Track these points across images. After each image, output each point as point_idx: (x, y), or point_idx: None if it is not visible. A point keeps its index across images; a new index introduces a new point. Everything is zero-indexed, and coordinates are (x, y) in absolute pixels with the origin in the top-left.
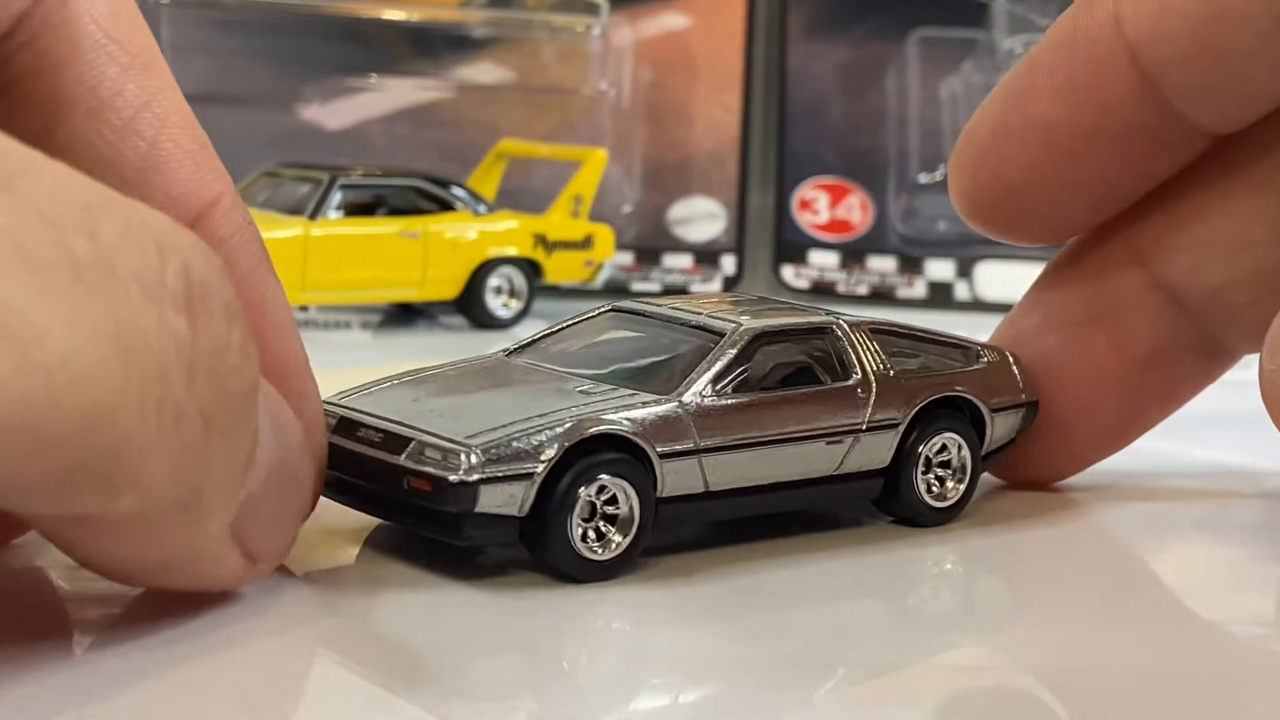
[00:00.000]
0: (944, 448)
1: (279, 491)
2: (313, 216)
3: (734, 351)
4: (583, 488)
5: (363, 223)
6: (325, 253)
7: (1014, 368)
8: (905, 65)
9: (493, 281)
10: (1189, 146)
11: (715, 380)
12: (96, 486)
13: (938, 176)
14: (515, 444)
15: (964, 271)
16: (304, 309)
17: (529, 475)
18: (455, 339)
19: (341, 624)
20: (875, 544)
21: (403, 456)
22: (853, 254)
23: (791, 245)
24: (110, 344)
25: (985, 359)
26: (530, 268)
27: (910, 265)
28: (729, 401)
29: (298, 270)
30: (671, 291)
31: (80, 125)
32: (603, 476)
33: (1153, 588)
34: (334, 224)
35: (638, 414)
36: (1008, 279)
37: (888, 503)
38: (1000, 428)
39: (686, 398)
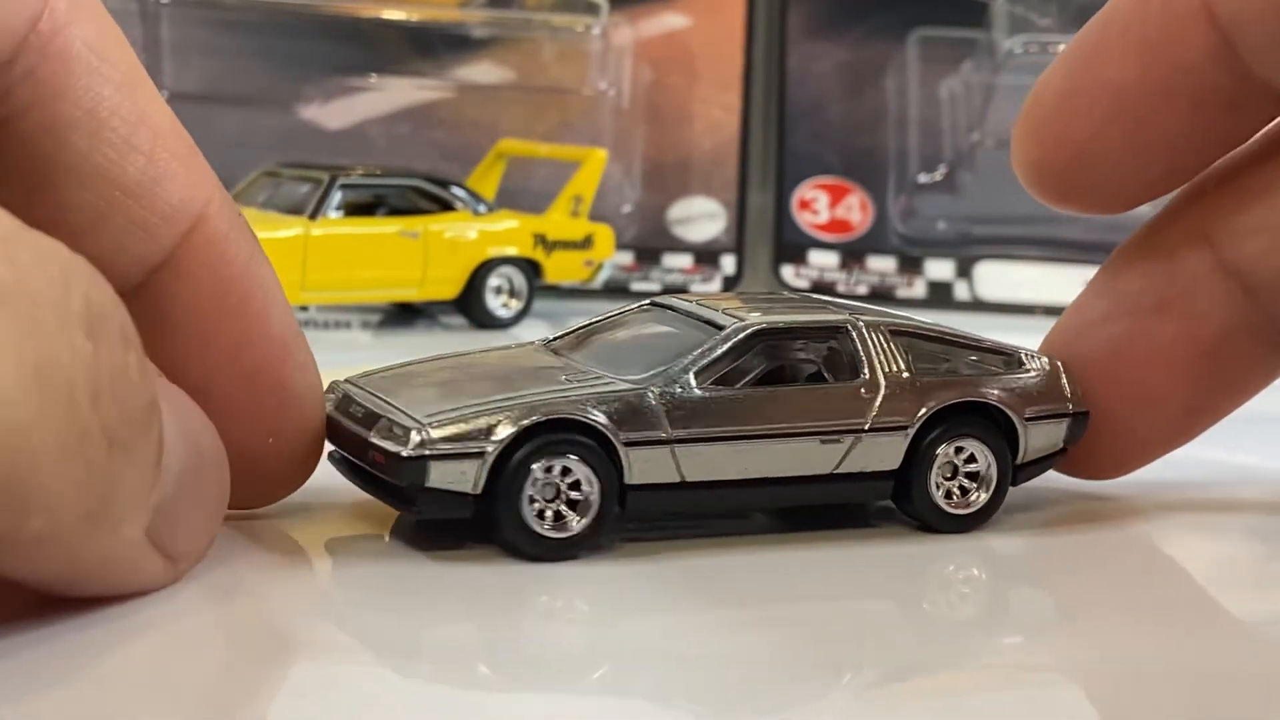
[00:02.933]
0: (970, 454)
1: (193, 494)
2: (313, 216)
3: (725, 347)
4: (536, 466)
5: (363, 222)
6: (325, 252)
7: (1063, 378)
8: (905, 65)
9: (493, 281)
10: (1262, 110)
11: (700, 374)
12: (9, 507)
13: (937, 176)
14: (469, 423)
15: (963, 271)
16: (304, 309)
17: (480, 454)
18: (455, 339)
19: (301, 591)
20: (891, 544)
21: (372, 432)
22: (852, 254)
23: (791, 245)
24: (30, 368)
25: (1027, 366)
26: (530, 267)
27: (910, 265)
28: (710, 395)
29: (298, 270)
30: (670, 291)
31: (83, 147)
32: (559, 460)
33: (1181, 590)
34: (334, 224)
35: (607, 402)
36: (1007, 279)
37: (904, 505)
38: (1038, 438)
39: (660, 389)
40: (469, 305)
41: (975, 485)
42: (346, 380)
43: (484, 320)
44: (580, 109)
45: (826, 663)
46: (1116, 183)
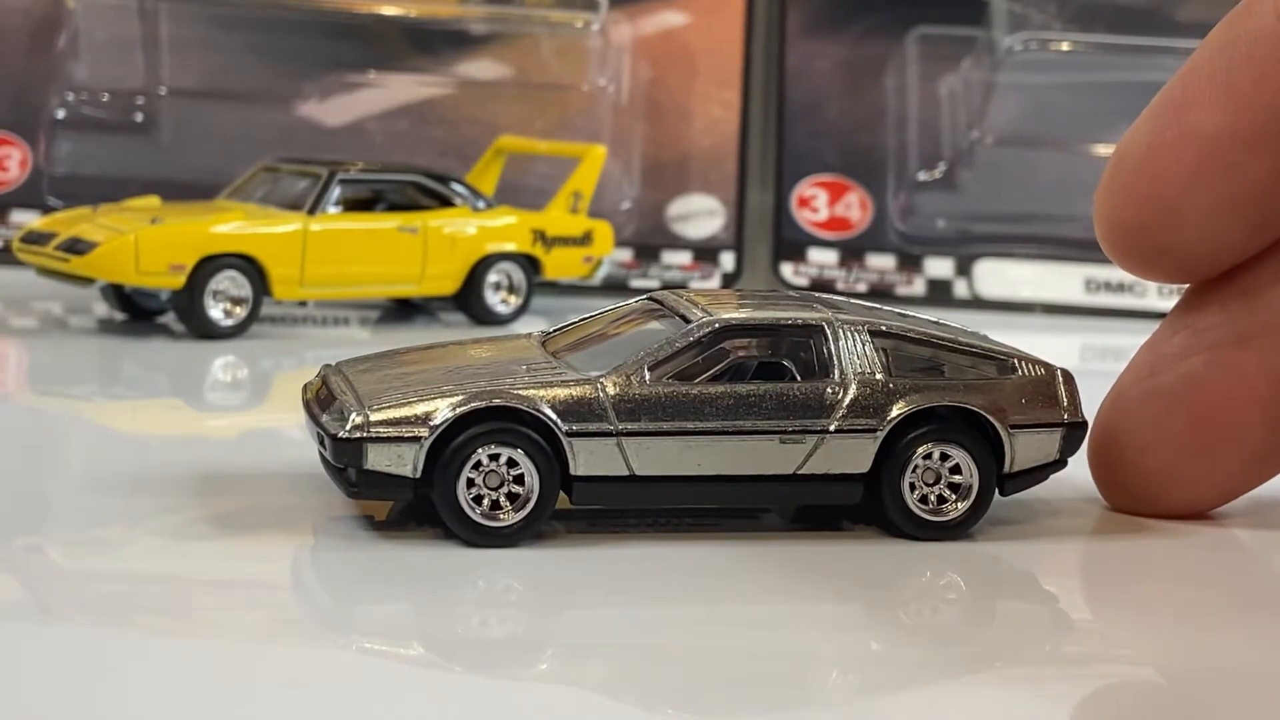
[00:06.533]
0: (955, 464)
1: None
2: (311, 211)
3: (684, 342)
4: (477, 452)
5: (361, 218)
6: (324, 248)
7: (1059, 387)
8: (904, 63)
9: (491, 277)
10: None
11: (655, 367)
12: None
13: (936, 174)
14: (408, 408)
15: (963, 269)
16: (303, 304)
17: (416, 439)
18: (454, 336)
19: (231, 570)
20: (868, 546)
21: (324, 415)
22: (852, 251)
23: (790, 243)
24: None
25: (1021, 373)
26: (529, 264)
27: (909, 263)
28: (662, 389)
29: (296, 265)
30: (669, 288)
31: None
32: (500, 448)
33: (1179, 598)
34: (333, 219)
35: (555, 392)
36: (1006, 277)
37: (876, 511)
38: (1026, 448)
39: (613, 381)
40: (468, 301)
41: (954, 494)
42: (335, 364)
43: (483, 316)
44: (579, 105)
45: (792, 667)
46: (1207, 239)
